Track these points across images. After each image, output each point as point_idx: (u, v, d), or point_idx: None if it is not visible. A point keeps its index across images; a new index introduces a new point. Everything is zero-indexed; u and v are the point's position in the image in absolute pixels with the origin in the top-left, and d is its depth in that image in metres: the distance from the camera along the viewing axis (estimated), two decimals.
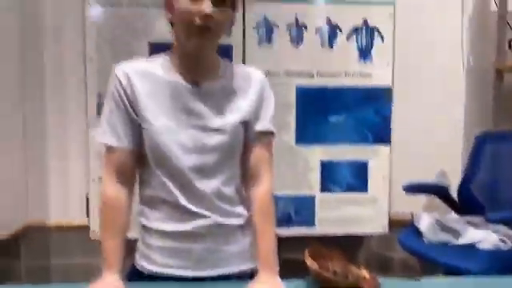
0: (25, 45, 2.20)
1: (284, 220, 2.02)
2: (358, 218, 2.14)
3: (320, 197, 2.10)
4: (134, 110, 0.98)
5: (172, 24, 1.00)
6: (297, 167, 2.07)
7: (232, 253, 1.02)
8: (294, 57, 2.05)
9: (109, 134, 0.99)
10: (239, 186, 1.05)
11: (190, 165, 0.96)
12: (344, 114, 2.08)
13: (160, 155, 0.97)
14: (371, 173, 2.12)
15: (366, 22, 2.07)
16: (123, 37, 1.98)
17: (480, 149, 2.17)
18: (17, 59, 2.17)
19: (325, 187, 2.10)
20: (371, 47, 2.08)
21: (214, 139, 0.98)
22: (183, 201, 0.97)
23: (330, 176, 2.10)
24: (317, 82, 2.07)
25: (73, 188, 2.28)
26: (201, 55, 0.99)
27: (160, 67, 1.01)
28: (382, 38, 2.08)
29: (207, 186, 0.98)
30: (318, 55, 2.06)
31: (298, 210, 2.04)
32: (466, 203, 2.12)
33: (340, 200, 2.12)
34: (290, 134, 2.04)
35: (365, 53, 2.08)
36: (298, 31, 2.05)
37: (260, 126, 1.03)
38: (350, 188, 2.11)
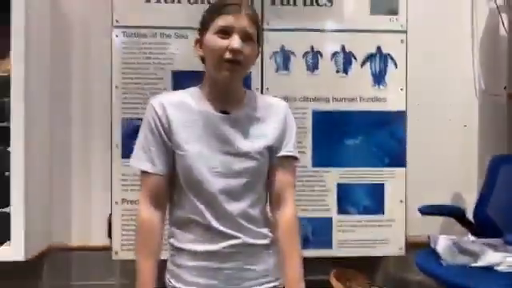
0: (54, 73, 2.31)
1: (301, 242, 2.04)
2: (375, 239, 2.15)
3: (337, 219, 2.13)
4: (168, 138, 1.05)
5: (203, 59, 1.07)
6: (314, 190, 2.11)
7: (258, 271, 1.07)
8: (310, 83, 2.13)
9: (144, 160, 1.06)
10: (264, 209, 1.11)
11: (220, 188, 1.03)
12: (359, 138, 2.13)
13: (192, 179, 1.03)
14: (387, 195, 2.15)
15: (379, 49, 2.15)
16: (147, 66, 2.08)
17: (495, 171, 2.20)
18: (47, 86, 2.29)
19: (342, 209, 2.13)
20: (385, 73, 2.14)
21: (242, 164, 1.04)
22: (213, 222, 1.02)
23: (347, 198, 2.13)
24: (332, 106, 2.13)
25: (94, 210, 2.35)
26: (229, 86, 1.07)
27: (191, 98, 1.08)
28: (395, 63, 2.15)
29: (235, 207, 1.03)
30: (333, 81, 2.13)
31: (315, 231, 2.07)
32: (482, 225, 2.13)
33: (357, 222, 2.14)
34: (306, 158, 2.09)
35: (379, 78, 2.15)
36: (313, 58, 2.13)
37: (284, 152, 1.09)
38: (367, 210, 2.14)
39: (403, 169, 2.16)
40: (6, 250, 2.07)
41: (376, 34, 2.14)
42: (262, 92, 2.10)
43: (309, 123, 2.12)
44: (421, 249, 2.11)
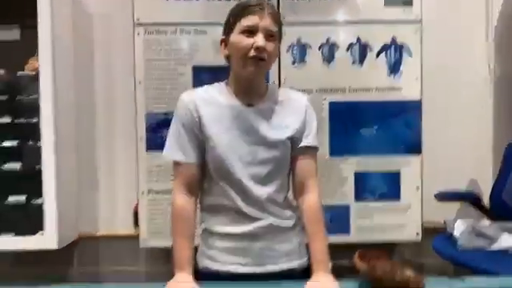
0: (78, 70, 2.41)
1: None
2: (391, 225, 2.22)
3: (354, 206, 2.20)
4: (199, 131, 1.13)
5: (227, 58, 1.15)
6: (331, 178, 2.18)
7: (284, 251, 1.15)
8: (327, 74, 2.18)
9: (178, 151, 1.14)
10: (287, 194, 1.19)
11: (248, 175, 1.11)
12: (375, 127, 2.19)
13: (223, 168, 1.11)
14: (403, 182, 2.20)
15: (394, 40, 2.18)
16: (168, 62, 2.16)
17: (510, 157, 2.23)
18: (72, 83, 2.39)
19: (359, 197, 2.20)
20: (400, 63, 2.18)
21: (267, 153, 1.13)
22: (243, 206, 1.11)
23: (364, 186, 2.20)
24: (348, 97, 2.19)
25: (120, 201, 2.46)
26: (253, 81, 1.14)
27: (219, 93, 1.16)
28: (410, 53, 2.19)
29: (262, 192, 1.12)
30: (349, 72, 2.18)
31: (333, 218, 2.13)
32: (498, 209, 2.18)
33: (373, 209, 2.21)
34: (324, 147, 2.15)
35: (394, 68, 2.19)
36: (329, 50, 2.18)
37: (306, 142, 1.16)
38: (383, 197, 2.20)
39: (419, 156, 2.20)
40: (40, 239, 2.19)
41: (391, 24, 2.18)
42: (279, 84, 2.16)
43: (326, 114, 2.18)
44: (436, 234, 2.16)
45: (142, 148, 2.16)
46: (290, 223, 1.17)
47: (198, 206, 1.18)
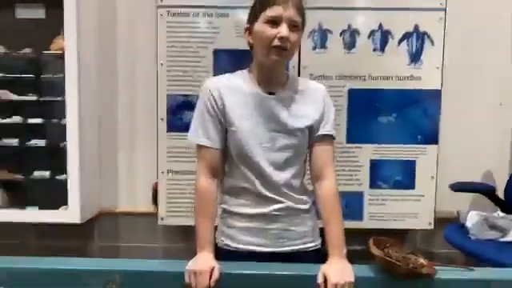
0: (101, 50, 2.46)
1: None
2: (405, 213, 2.25)
3: (369, 193, 2.23)
4: (222, 117, 1.17)
5: (251, 46, 1.18)
6: (347, 165, 2.21)
7: (300, 232, 1.21)
8: (347, 61, 2.18)
9: (202, 136, 1.19)
10: (303, 179, 1.24)
11: (268, 160, 1.16)
12: (394, 115, 2.19)
13: (244, 153, 1.16)
14: (419, 171, 2.22)
15: (416, 27, 2.16)
16: (190, 44, 2.18)
17: None
18: (96, 63, 2.44)
19: (373, 184, 2.23)
20: (421, 51, 2.17)
21: (286, 140, 1.17)
22: (262, 189, 1.16)
23: (379, 173, 2.22)
24: (368, 84, 2.19)
25: (140, 179, 2.53)
26: (275, 70, 1.18)
27: (242, 81, 1.20)
28: (432, 42, 2.16)
29: (280, 177, 1.17)
30: (369, 59, 2.17)
31: (347, 204, 2.16)
32: None
33: (388, 196, 2.23)
34: (341, 134, 2.17)
35: (415, 57, 2.17)
36: (350, 37, 2.17)
37: (323, 131, 1.20)
38: (398, 185, 2.22)
39: (435, 146, 2.21)
40: (64, 213, 2.29)
41: (414, 12, 2.15)
42: (299, 70, 2.18)
43: (344, 101, 2.19)
44: (447, 224, 2.19)
45: (162, 129, 2.21)
46: (305, 207, 1.22)
47: None
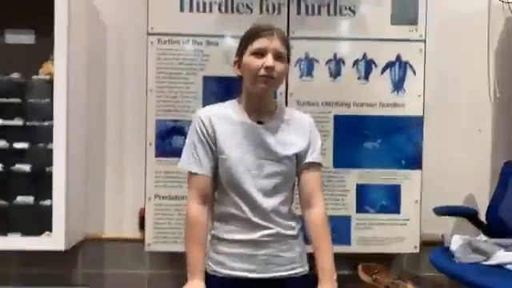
0: (92, 76, 2.47)
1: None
2: (391, 238, 2.28)
3: (356, 217, 2.26)
4: (214, 144, 1.21)
5: (240, 77, 1.24)
6: (335, 189, 2.24)
7: (288, 258, 1.24)
8: (333, 88, 2.25)
9: (193, 163, 1.22)
10: (291, 205, 1.28)
11: (256, 187, 1.19)
12: (378, 141, 2.25)
13: (233, 180, 1.20)
14: (404, 195, 2.26)
15: (398, 57, 2.26)
16: (180, 71, 2.22)
17: (507, 175, 2.30)
18: (85, 88, 2.45)
19: (360, 208, 2.26)
20: (404, 80, 2.26)
21: (275, 167, 1.22)
22: (251, 215, 1.19)
23: (366, 198, 2.26)
24: (353, 111, 2.25)
25: (127, 204, 2.51)
26: (263, 100, 1.23)
27: (232, 110, 1.25)
28: (414, 71, 2.26)
29: (268, 204, 1.20)
30: (354, 87, 2.25)
31: (335, 228, 2.15)
32: (495, 226, 2.25)
33: (374, 221, 2.27)
34: (328, 159, 2.22)
35: (398, 85, 2.26)
36: (336, 65, 2.25)
37: (310, 158, 1.26)
38: (384, 209, 2.26)
39: (419, 171, 2.27)
40: (48, 240, 2.24)
41: (396, 42, 2.25)
42: (286, 97, 2.23)
43: (330, 127, 2.24)
44: (433, 247, 2.22)
45: (151, 153, 2.22)
46: (293, 233, 1.25)
47: None
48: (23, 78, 2.35)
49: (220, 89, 2.20)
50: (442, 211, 2.24)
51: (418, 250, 2.29)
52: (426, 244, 2.32)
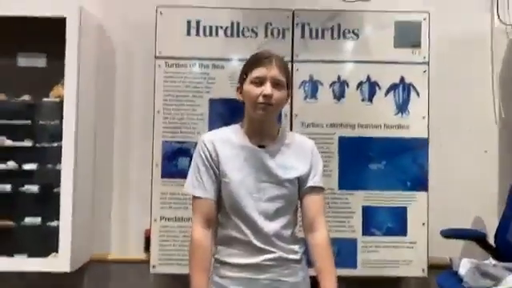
0: (100, 98, 2.52)
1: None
2: (398, 261, 2.25)
3: (362, 240, 2.24)
4: (217, 168, 1.23)
5: (243, 102, 1.27)
6: (340, 211, 2.23)
7: (292, 283, 1.23)
8: (337, 110, 2.27)
9: (197, 187, 1.23)
10: (294, 229, 1.27)
11: (258, 211, 1.20)
12: (383, 163, 2.25)
13: (235, 203, 1.21)
14: (410, 218, 2.24)
15: (402, 79, 2.28)
16: (186, 93, 2.26)
17: None
18: (93, 110, 2.50)
19: (366, 231, 2.24)
20: (408, 102, 2.27)
21: (277, 191, 1.22)
22: (253, 239, 1.19)
23: (372, 220, 2.24)
24: (358, 132, 2.26)
25: (132, 226, 2.51)
26: (264, 124, 1.25)
27: (234, 135, 1.27)
28: (418, 93, 2.27)
29: (271, 228, 1.21)
30: (358, 109, 2.27)
31: (340, 251, 2.16)
32: (503, 250, 2.20)
33: (380, 243, 2.24)
34: (333, 181, 2.22)
35: (402, 107, 2.27)
36: (340, 88, 2.28)
37: (312, 182, 1.26)
38: (390, 232, 2.24)
39: (425, 193, 2.25)
40: (54, 261, 2.25)
41: (399, 65, 2.28)
42: (291, 118, 2.25)
43: (335, 148, 2.25)
44: (441, 270, 2.19)
45: (157, 174, 2.24)
46: (296, 257, 1.24)
47: None
48: (34, 100, 2.41)
49: (226, 111, 2.23)
50: (450, 234, 2.21)
51: (425, 274, 2.25)
52: (433, 267, 2.27)
